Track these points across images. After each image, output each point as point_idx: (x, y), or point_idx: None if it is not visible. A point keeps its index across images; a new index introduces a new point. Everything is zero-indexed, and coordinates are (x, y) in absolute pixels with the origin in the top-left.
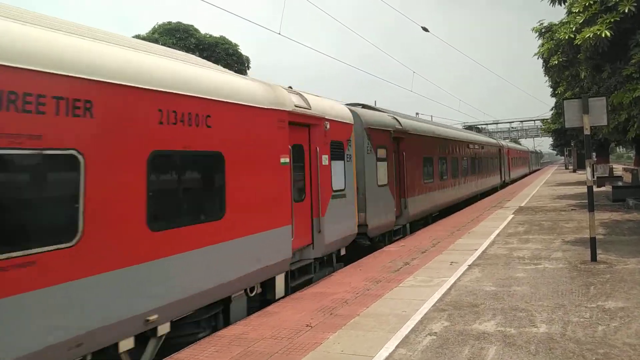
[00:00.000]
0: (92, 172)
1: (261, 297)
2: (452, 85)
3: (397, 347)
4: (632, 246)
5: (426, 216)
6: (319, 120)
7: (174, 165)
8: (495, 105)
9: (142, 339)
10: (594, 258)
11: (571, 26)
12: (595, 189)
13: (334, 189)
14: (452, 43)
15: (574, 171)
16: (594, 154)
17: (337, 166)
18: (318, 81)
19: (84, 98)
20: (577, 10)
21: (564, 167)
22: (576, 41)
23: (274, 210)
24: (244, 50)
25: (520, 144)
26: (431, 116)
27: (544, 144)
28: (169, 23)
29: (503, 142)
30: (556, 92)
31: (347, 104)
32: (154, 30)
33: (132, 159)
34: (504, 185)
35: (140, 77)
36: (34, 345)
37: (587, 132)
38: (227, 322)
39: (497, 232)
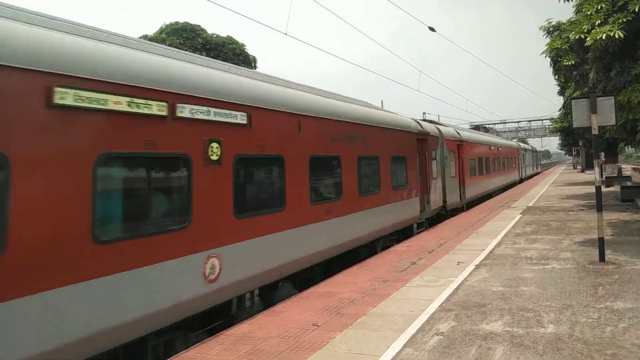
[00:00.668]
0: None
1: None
2: (458, 85)
3: (403, 346)
4: None
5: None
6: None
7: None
8: (501, 104)
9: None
10: (602, 258)
11: (583, 27)
12: (603, 189)
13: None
14: (457, 42)
15: (582, 171)
16: (602, 154)
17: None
18: (323, 79)
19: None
20: (589, 13)
21: (572, 167)
22: (587, 42)
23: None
24: (250, 50)
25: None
26: (438, 116)
27: (552, 143)
28: (176, 23)
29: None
30: (564, 91)
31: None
32: (161, 30)
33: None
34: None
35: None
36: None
37: (595, 131)
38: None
39: (504, 232)
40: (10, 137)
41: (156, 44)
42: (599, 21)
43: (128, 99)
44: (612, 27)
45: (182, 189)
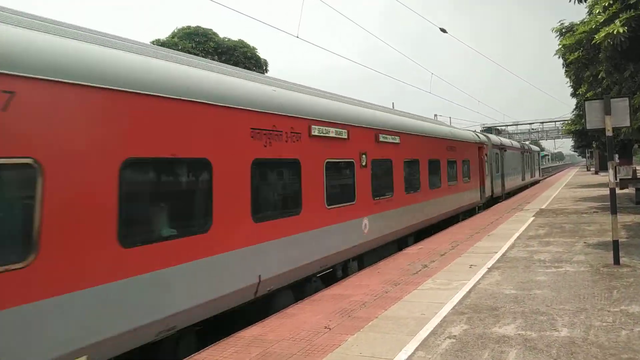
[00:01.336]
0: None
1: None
2: (473, 89)
3: (416, 349)
4: None
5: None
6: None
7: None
8: (515, 107)
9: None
10: (616, 261)
11: (591, 25)
12: (618, 191)
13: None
14: (471, 44)
15: (596, 173)
16: (616, 156)
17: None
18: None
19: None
20: (597, 11)
21: (585, 169)
22: (594, 40)
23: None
24: (262, 53)
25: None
26: (450, 117)
27: (565, 145)
28: (188, 27)
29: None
30: (577, 92)
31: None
32: (173, 35)
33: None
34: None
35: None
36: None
37: (609, 133)
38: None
39: (517, 234)
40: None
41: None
42: (605, 18)
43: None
44: (615, 24)
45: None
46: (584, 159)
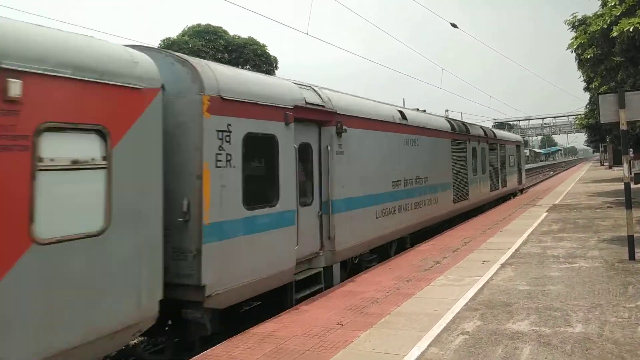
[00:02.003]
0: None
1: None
2: (481, 81)
3: (429, 345)
4: None
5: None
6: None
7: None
8: (524, 100)
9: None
10: (631, 257)
11: (606, 18)
12: (632, 185)
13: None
14: (479, 37)
15: (610, 167)
16: (630, 150)
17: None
18: (344, 80)
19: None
20: (613, 3)
21: (599, 164)
22: (612, 33)
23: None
24: (271, 50)
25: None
26: (461, 113)
27: (579, 140)
28: (198, 25)
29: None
30: (590, 86)
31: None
32: (183, 33)
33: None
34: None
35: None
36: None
37: (623, 127)
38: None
39: (530, 230)
40: None
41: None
42: (621, 11)
43: None
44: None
45: None
46: (598, 154)
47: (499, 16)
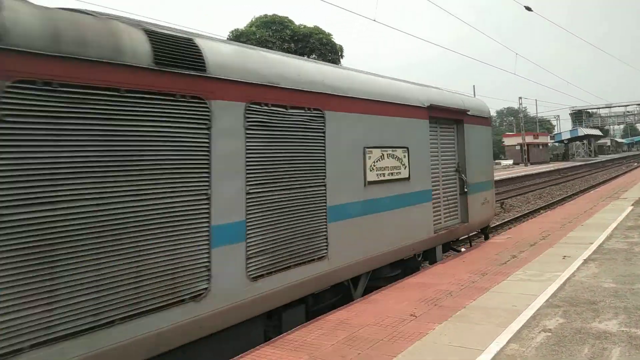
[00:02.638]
0: None
1: None
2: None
3: (508, 341)
4: None
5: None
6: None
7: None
8: (607, 85)
9: None
10: None
11: None
12: None
13: None
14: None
15: None
16: None
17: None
18: (412, 68)
19: None
20: None
21: None
22: None
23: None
24: (337, 39)
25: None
26: (535, 100)
27: None
28: (265, 16)
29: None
30: None
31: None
32: (251, 24)
33: None
34: None
35: None
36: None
37: None
38: None
39: (614, 224)
40: None
41: None
42: None
43: None
44: None
45: None
46: None
47: None
